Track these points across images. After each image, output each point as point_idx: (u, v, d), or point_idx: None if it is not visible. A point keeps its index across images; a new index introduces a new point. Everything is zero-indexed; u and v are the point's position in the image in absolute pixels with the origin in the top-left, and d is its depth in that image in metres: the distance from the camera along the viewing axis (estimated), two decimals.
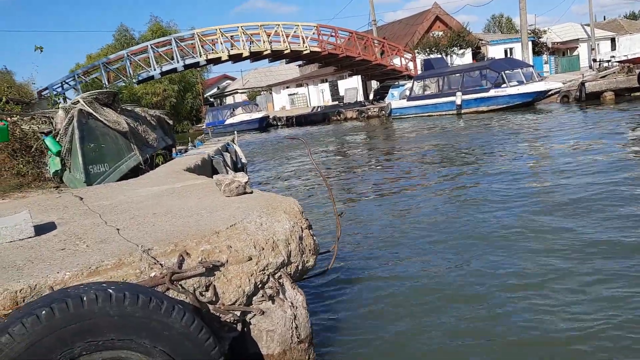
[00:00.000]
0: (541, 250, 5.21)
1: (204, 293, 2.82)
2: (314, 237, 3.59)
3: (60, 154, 7.90)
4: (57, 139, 7.93)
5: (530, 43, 34.44)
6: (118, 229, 3.46)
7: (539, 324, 3.77)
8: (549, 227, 5.93)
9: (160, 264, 2.78)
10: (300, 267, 3.36)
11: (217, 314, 2.83)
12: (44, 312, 1.95)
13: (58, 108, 8.59)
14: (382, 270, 5.25)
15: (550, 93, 24.82)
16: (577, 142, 12.22)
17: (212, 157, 9.40)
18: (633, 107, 18.54)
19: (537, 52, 42.13)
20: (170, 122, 12.26)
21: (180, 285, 2.73)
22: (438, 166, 11.66)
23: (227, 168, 9.59)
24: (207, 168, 8.45)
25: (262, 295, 3.04)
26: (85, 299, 2.02)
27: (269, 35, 30.57)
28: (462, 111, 26.02)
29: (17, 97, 15.70)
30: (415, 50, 37.18)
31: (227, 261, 2.94)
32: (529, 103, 24.47)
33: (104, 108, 8.42)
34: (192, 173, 6.80)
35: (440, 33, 40.07)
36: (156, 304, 2.14)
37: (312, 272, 3.76)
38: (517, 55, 36.64)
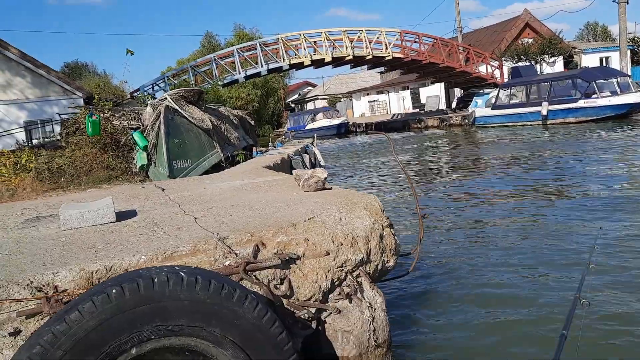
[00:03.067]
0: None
1: (278, 286, 2.69)
2: (395, 237, 3.38)
3: (146, 149, 8.15)
4: (144, 134, 8.19)
5: (629, 52, 32.16)
6: (195, 218, 3.42)
7: None
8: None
9: (235, 253, 2.68)
10: (380, 267, 3.16)
11: (291, 309, 2.69)
12: (114, 290, 1.87)
13: (146, 105, 8.89)
14: (466, 278, 4.89)
15: None
16: None
17: (292, 157, 9.40)
18: None
19: (636, 62, 39.40)
20: (252, 122, 12.41)
21: (255, 276, 2.61)
22: (524, 177, 11.00)
23: (306, 168, 9.55)
24: (286, 167, 8.43)
25: (339, 293, 2.86)
26: (156, 280, 1.93)
27: (351, 41, 30.55)
28: (548, 122, 24.69)
29: (110, 97, 16.54)
30: (503, 58, 35.82)
31: (303, 254, 2.79)
32: (623, 115, 22.78)
33: (190, 105, 8.61)
34: (271, 170, 6.78)
35: (530, 40, 38.34)
36: (228, 292, 2.01)
37: (392, 274, 3.53)
38: (614, 65, 34.38)
